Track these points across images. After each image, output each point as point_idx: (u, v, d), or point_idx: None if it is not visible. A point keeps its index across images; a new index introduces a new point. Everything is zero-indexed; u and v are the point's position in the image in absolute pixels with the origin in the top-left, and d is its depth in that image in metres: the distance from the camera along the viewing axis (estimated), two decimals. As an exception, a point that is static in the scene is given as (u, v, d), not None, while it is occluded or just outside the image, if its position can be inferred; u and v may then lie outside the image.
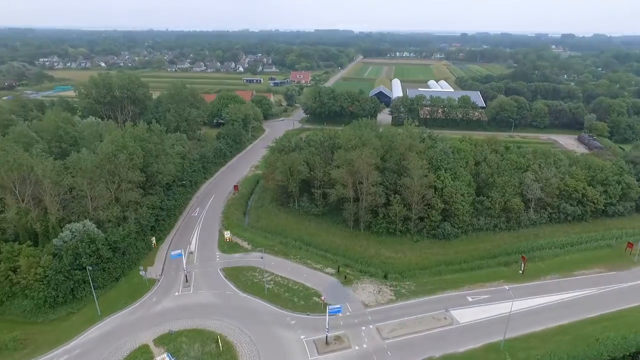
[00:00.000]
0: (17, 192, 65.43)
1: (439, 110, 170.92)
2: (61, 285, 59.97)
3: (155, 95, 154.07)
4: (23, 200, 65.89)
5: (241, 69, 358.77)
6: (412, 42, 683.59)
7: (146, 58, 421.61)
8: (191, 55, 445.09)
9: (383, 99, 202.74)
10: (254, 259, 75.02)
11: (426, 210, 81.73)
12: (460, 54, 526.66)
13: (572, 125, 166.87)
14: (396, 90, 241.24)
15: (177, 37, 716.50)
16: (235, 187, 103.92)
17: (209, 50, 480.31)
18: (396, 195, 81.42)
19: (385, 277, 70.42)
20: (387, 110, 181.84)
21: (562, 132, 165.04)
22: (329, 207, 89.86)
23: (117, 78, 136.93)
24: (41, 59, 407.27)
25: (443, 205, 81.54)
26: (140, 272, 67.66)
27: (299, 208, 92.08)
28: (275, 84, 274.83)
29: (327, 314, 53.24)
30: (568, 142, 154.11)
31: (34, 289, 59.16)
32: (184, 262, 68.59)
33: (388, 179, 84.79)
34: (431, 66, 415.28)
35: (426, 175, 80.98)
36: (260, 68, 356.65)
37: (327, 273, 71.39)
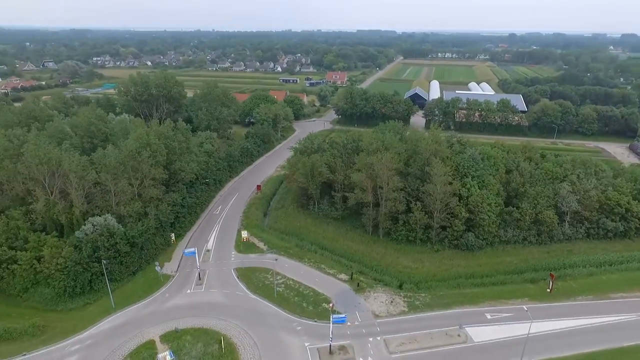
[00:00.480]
0: (46, 185, 68.84)
1: (476, 114, 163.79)
2: (80, 276, 62.34)
3: (192, 94, 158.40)
4: (52, 193, 69.20)
5: (279, 68, 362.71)
6: (456, 43, 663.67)
7: (190, 57, 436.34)
8: (232, 55, 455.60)
9: (418, 101, 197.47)
10: (268, 260, 74.70)
11: (449, 219, 78.05)
12: (507, 55, 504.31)
13: (624, 132, 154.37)
14: (434, 92, 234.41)
15: (222, 38, 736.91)
16: (258, 186, 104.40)
17: (250, 50, 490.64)
18: (417, 202, 78.30)
19: (400, 287, 67.80)
20: (421, 112, 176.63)
21: (611, 139, 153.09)
22: (349, 211, 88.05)
23: (154, 77, 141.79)
24: (95, 58, 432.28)
25: (467, 214, 77.54)
26: (156, 268, 69.18)
27: (318, 211, 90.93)
28: (311, 84, 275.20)
29: (331, 323, 51.73)
30: (617, 150, 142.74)
31: (55, 279, 61.84)
32: (197, 260, 69.33)
33: (410, 184, 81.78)
34: (473, 68, 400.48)
35: (450, 183, 77.30)
36: (297, 68, 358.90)
37: (340, 279, 69.72)
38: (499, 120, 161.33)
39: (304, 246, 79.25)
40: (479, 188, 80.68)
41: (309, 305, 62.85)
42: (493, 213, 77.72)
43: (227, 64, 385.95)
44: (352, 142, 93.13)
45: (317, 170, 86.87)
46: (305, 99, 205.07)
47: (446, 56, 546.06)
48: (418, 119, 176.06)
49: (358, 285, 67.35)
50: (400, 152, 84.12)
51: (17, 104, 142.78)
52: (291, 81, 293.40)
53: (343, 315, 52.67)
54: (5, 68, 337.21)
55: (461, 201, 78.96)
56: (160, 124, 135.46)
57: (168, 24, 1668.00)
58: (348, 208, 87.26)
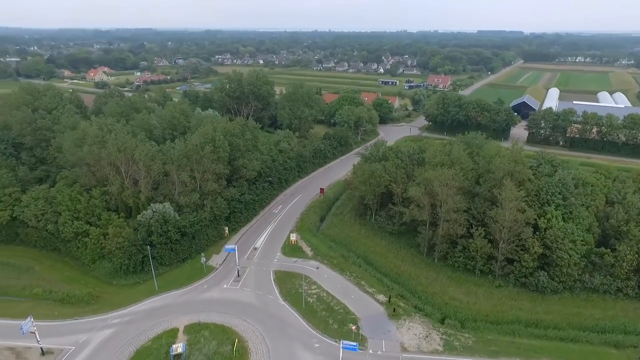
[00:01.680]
0: (122, 170, 76.89)
1: (593, 130, 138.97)
2: (133, 256, 68.31)
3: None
4: (126, 178, 77.05)
5: (382, 70, 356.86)
6: (594, 45, 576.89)
7: (299, 57, 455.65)
8: (339, 55, 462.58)
9: (525, 110, 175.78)
10: (309, 267, 73.08)
11: (518, 252, 66.93)
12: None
13: None
14: (549, 101, 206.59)
15: (335, 38, 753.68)
16: (322, 190, 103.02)
17: (358, 51, 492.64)
18: (480, 228, 68.69)
19: (442, 321, 60.22)
20: (524, 123, 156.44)
21: None
22: (406, 227, 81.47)
23: (247, 75, 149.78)
24: (217, 56, 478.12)
25: (542, 249, 65.57)
26: (202, 259, 72.42)
27: (374, 223, 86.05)
28: (410, 87, 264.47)
29: (341, 348, 47.85)
30: None
31: (114, 255, 68.77)
32: (237, 257, 70.70)
33: (477, 207, 72.19)
34: (609, 74, 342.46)
35: (523, 210, 66.10)
36: (400, 70, 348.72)
37: (377, 300, 64.64)
38: (623, 138, 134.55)
39: (349, 258, 75.59)
40: (563, 220, 67.70)
41: (335, 323, 59.39)
42: (577, 252, 64.40)
43: (332, 64, 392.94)
44: (419, 152, 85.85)
45: (375, 180, 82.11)
46: (397, 103, 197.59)
47: (577, 60, 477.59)
48: (520, 131, 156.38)
49: (394, 311, 61.56)
50: (468, 168, 74.72)
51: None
52: (390, 83, 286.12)
53: (354, 344, 48.28)
54: (146, 63, 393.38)
55: (537, 233, 67.12)
56: (247, 120, 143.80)
57: (290, 25, 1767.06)
58: (406, 223, 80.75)
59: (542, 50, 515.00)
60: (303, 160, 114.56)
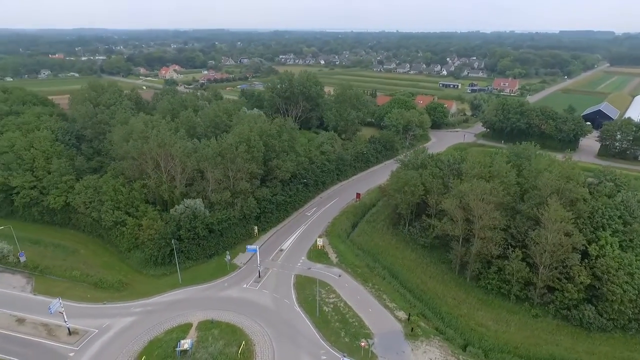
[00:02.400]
0: (161, 165, 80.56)
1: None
2: (162, 248, 71.14)
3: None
4: (164, 173, 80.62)
5: (444, 72, 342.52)
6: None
7: (361, 58, 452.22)
8: (402, 56, 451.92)
9: (600, 119, 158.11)
10: (331, 274, 71.30)
11: (561, 281, 59.75)
12: None
13: None
14: (634, 110, 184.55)
15: (400, 39, 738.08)
16: (358, 195, 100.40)
17: (423, 52, 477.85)
18: (518, 249, 62.29)
19: (464, 348, 55.40)
20: (596, 134, 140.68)
21: None
22: (440, 241, 76.46)
23: (298, 76, 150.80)
24: (281, 56, 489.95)
25: (590, 280, 57.96)
26: (226, 257, 73.59)
27: (407, 233, 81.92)
28: (473, 91, 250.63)
29: (342, 365, 45.65)
30: None
31: (146, 246, 72.17)
32: (258, 258, 70.84)
33: (518, 226, 65.65)
34: None
35: (570, 234, 58.80)
36: (465, 72, 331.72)
37: (396, 317, 61.16)
38: None
39: (374, 268, 72.57)
40: (620, 248, 59.37)
41: (347, 336, 57.06)
42: (635, 287, 55.99)
43: (393, 65, 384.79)
44: (460, 161, 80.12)
45: (410, 188, 78.03)
46: (454, 107, 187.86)
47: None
48: (591, 143, 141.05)
49: (412, 330, 57.79)
50: (511, 182, 68.14)
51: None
52: (451, 86, 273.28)
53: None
54: (213, 62, 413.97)
55: (585, 261, 59.52)
56: (295, 120, 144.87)
57: (358, 26, 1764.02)
58: (440, 237, 75.80)
59: (634, 53, 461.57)
60: (343, 163, 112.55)
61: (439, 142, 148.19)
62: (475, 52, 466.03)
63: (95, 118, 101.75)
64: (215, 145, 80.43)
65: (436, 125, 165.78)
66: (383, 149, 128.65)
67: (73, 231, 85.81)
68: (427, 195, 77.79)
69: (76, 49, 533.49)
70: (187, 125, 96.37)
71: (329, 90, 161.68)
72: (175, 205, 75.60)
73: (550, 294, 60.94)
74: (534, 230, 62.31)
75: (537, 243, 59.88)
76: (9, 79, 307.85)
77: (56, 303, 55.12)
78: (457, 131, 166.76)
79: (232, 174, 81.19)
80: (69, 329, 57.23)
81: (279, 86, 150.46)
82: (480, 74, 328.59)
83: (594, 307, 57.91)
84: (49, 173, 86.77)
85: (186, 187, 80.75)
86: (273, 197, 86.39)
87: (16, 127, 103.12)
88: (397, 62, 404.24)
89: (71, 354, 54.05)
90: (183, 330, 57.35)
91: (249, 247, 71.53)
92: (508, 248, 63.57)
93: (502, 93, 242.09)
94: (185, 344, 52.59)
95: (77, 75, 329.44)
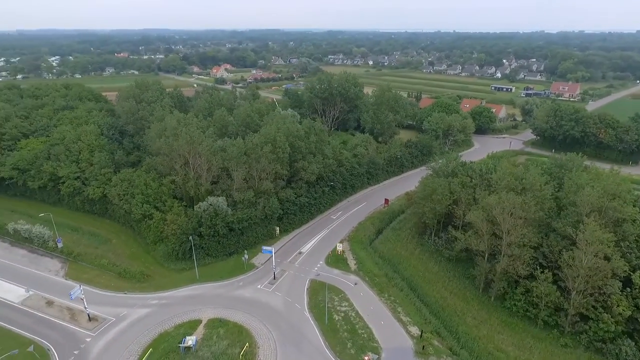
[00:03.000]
0: (190, 162, 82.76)
1: None
2: (183, 244, 72.97)
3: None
4: (192, 170, 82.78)
5: (499, 74, 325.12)
6: None
7: (411, 58, 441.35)
8: (455, 57, 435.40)
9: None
10: (347, 282, 69.51)
11: (596, 309, 53.84)
12: None
13: None
14: None
15: (455, 39, 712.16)
16: (386, 200, 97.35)
17: (478, 53, 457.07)
18: (548, 271, 56.93)
19: (478, 373, 51.47)
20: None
21: None
22: (466, 255, 71.96)
23: (338, 76, 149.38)
24: (330, 56, 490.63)
25: (631, 311, 51.75)
26: (244, 256, 74.05)
27: (432, 244, 78.05)
28: (528, 95, 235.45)
29: (338, 380, 43.91)
30: None
31: (169, 240, 74.47)
32: (273, 259, 70.55)
33: (551, 245, 60.08)
34: None
35: (609, 258, 52.78)
36: (521, 75, 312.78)
37: (409, 332, 58.22)
38: None
39: (393, 279, 69.72)
40: (670, 278, 52.36)
41: (353, 348, 55.11)
42: (685, 324, 49.11)
43: (443, 67, 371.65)
44: (492, 171, 74.88)
45: (437, 197, 74.24)
46: (503, 112, 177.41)
47: None
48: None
49: (423, 348, 54.71)
50: (546, 197, 62.45)
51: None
52: (504, 89, 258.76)
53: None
54: (263, 62, 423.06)
55: (627, 290, 53.19)
56: (333, 121, 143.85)
57: (413, 26, 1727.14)
58: (467, 250, 71.36)
59: None
60: (375, 167, 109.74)
61: (482, 149, 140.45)
62: (535, 53, 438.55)
63: (137, 114, 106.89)
64: (241, 145, 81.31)
65: (481, 131, 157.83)
66: (419, 154, 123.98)
67: (109, 221, 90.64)
68: (455, 206, 73.62)
69: (140, 48, 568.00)
70: (220, 124, 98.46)
71: (368, 91, 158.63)
72: (199, 202, 77.28)
73: (583, 323, 55.10)
74: (568, 251, 56.65)
75: (571, 265, 54.32)
76: (77, 75, 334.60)
77: (77, 289, 58.15)
78: (503, 137, 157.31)
79: (257, 173, 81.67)
80: (88, 315, 60.22)
81: (317, 87, 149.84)
82: (539, 77, 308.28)
83: (633, 343, 51.55)
84: (91, 165, 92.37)
85: (212, 184, 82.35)
86: (297, 198, 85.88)
87: (69, 121, 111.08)
88: (449, 63, 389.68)
89: (88, 339, 56.74)
90: (192, 326, 58.29)
91: (264, 248, 71.51)
92: (537, 269, 58.20)
93: (560, 98, 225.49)
94: (190, 340, 53.35)
95: (136, 72, 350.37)
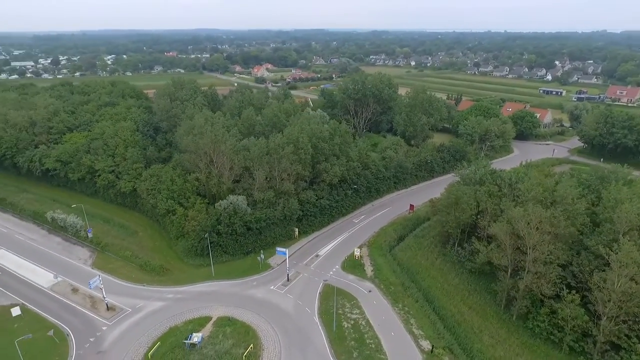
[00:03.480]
0: (214, 160, 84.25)
1: None
2: (202, 240, 74.25)
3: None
4: (215, 168, 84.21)
5: (549, 77, 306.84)
6: None
7: (456, 59, 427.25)
8: (503, 58, 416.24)
9: None
10: (361, 289, 67.87)
11: (630, 339, 48.84)
12: None
13: None
14: None
15: (506, 39, 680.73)
16: (411, 206, 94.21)
17: (528, 54, 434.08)
18: (576, 292, 52.38)
19: (490, 396, 48.22)
20: None
21: None
22: (490, 268, 67.85)
23: (372, 77, 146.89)
24: (371, 56, 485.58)
25: (670, 344, 46.34)
26: (259, 256, 74.20)
27: (454, 255, 74.45)
28: (580, 99, 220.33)
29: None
30: None
31: (189, 236, 76.15)
32: (287, 261, 70.10)
33: (582, 264, 55.31)
34: None
35: (645, 283, 47.64)
36: (575, 78, 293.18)
37: (419, 346, 55.74)
38: None
39: (409, 288, 67.13)
40: None
41: (359, 358, 53.49)
42: None
43: (489, 68, 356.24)
44: (520, 181, 70.08)
45: (460, 206, 70.73)
46: (548, 117, 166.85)
47: None
48: None
49: (432, 365, 52.15)
50: (579, 211, 57.44)
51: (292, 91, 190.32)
52: (554, 93, 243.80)
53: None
54: (304, 62, 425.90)
55: (666, 319, 47.75)
56: (365, 123, 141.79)
57: (461, 25, 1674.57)
58: (489, 263, 67.34)
59: None
60: (403, 171, 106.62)
61: (521, 156, 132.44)
62: (593, 54, 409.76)
63: (170, 112, 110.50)
64: (263, 145, 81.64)
65: (523, 136, 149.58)
66: (452, 159, 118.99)
67: (138, 214, 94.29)
68: (480, 216, 69.77)
69: (188, 47, 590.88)
70: (247, 123, 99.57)
71: (404, 92, 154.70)
72: (222, 200, 78.38)
73: (614, 353, 50.14)
74: (600, 272, 51.81)
75: (602, 288, 49.60)
76: (128, 73, 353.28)
77: (96, 279, 60.74)
78: (547, 144, 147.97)
79: (278, 174, 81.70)
80: (107, 305, 62.67)
81: (351, 87, 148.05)
82: (594, 80, 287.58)
83: (671, 379, 46.21)
84: (125, 160, 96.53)
85: (234, 183, 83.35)
86: (317, 200, 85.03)
87: (109, 117, 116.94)
88: (495, 64, 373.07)
89: (104, 328, 59.02)
90: (201, 323, 59.06)
91: (278, 249, 71.25)
92: (563, 289, 53.71)
93: (616, 103, 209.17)
94: (196, 337, 53.99)
95: (182, 71, 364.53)
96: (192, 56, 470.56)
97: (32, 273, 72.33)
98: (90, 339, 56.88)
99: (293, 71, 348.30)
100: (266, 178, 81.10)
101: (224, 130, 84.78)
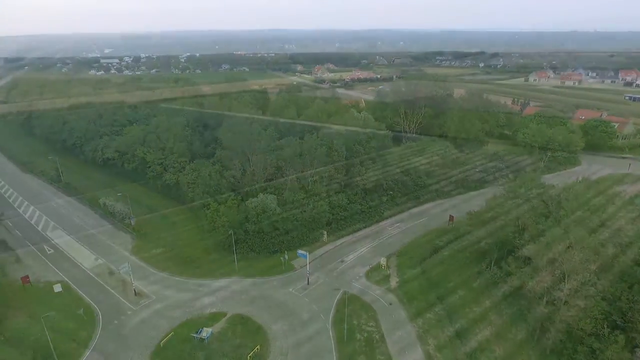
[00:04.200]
0: (250, 158, 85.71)
1: None
2: (230, 236, 75.73)
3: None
4: (250, 166, 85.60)
5: (639, 81, 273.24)
6: None
7: (530, 61, 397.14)
8: (584, 60, 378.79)
9: None
10: (382, 300, 64.96)
11: (683, 395, 41.24)
12: None
13: None
14: None
15: (594, 39, 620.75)
16: (451, 217, 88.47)
17: (618, 55, 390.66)
18: (620, 332, 45.37)
19: None
20: None
21: None
22: (525, 292, 61.37)
23: (425, 79, 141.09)
24: (438, 58, 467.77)
25: None
26: (283, 257, 73.99)
27: (489, 274, 68.45)
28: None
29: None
30: None
31: (219, 231, 78.15)
32: (307, 264, 69.01)
33: (633, 300, 47.87)
34: None
35: None
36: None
37: (433, 369, 51.91)
38: None
39: (434, 306, 62.96)
40: None
41: (365, 374, 51.08)
42: None
43: (567, 72, 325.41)
44: (568, 199, 62.39)
45: (500, 222, 64.93)
46: (629, 127, 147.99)
47: None
48: None
49: (444, 392, 48.20)
50: (625, 242, 49.72)
51: (342, 91, 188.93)
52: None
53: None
54: (366, 61, 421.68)
55: None
56: (415, 126, 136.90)
57: (548, 24, 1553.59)
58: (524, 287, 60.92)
59: None
60: (447, 179, 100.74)
61: (588, 170, 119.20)
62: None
63: (219, 109, 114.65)
64: (296, 146, 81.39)
65: (597, 148, 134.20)
66: (506, 169, 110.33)
67: (179, 206, 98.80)
68: (521, 234, 63.39)
69: (256, 46, 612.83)
70: (288, 123, 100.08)
71: (460, 94, 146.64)
72: (252, 198, 79.48)
73: (661, 408, 42.73)
74: (656, 311, 44.45)
75: (651, 331, 42.49)
76: (198, 71, 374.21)
77: (125, 266, 64.42)
78: (624, 158, 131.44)
79: (310, 175, 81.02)
80: (134, 290, 66.23)
81: (403, 89, 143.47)
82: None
83: None
84: (172, 153, 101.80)
85: (266, 182, 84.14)
86: (349, 204, 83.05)
87: (165, 112, 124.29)
88: (575, 67, 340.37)
89: (129, 312, 62.38)
90: (216, 318, 60.09)
91: (299, 252, 70.42)
92: (606, 327, 46.85)
93: None
94: (205, 332, 54.95)
95: (247, 69, 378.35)
96: (259, 55, 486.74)
97: (79, 253, 78.74)
98: (115, 322, 60.36)
99: (354, 71, 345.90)
100: (297, 179, 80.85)
101: (260, 129, 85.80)
